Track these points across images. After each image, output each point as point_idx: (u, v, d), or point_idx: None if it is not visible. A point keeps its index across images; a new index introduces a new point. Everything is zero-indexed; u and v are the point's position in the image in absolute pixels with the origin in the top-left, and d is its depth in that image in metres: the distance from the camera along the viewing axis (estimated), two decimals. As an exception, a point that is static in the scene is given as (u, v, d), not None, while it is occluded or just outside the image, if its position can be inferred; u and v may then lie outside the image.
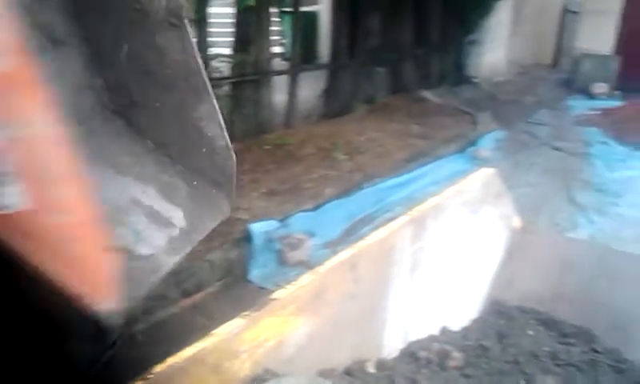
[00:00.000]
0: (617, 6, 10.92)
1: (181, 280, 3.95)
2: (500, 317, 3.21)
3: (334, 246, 4.60)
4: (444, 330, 3.04)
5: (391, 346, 2.78)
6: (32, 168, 1.68)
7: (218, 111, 1.91)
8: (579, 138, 8.05)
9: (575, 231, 5.13)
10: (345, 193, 5.72)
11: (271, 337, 2.04)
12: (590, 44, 11.15)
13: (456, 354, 2.78)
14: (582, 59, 11.04)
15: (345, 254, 2.38)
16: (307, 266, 3.93)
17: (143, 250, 1.85)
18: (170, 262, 1.86)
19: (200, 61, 1.80)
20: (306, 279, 2.18)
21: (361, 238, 2.58)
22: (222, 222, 4.27)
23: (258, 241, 4.63)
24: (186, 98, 1.97)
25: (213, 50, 6.93)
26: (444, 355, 2.77)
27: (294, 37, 7.93)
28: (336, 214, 5.29)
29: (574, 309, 3.18)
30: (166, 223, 1.90)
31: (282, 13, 11.63)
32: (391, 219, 2.78)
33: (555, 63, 13.07)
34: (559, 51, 13.02)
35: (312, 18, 12.31)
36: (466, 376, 2.67)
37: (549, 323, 3.14)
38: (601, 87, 10.33)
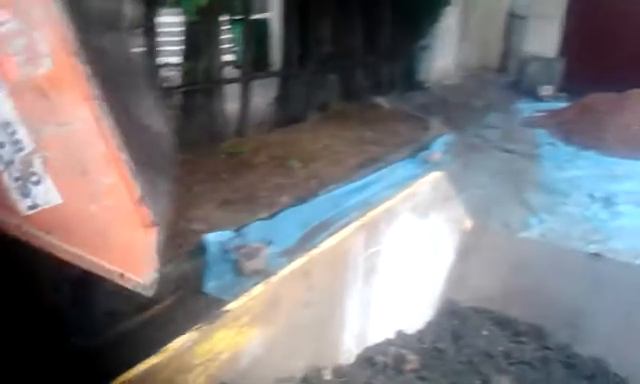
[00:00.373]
0: (560, 10, 11.22)
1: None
2: (454, 318, 3.25)
3: (290, 253, 4.57)
4: (400, 334, 3.06)
5: (348, 351, 2.78)
6: (68, 163, 1.86)
7: (162, 107, 1.96)
8: (528, 139, 8.24)
9: (526, 231, 5.23)
10: (300, 200, 5.71)
11: (225, 349, 2.02)
12: (535, 47, 11.42)
13: (412, 357, 2.80)
14: (528, 62, 11.29)
15: (298, 262, 2.38)
16: (264, 275, 3.90)
17: None
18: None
19: (142, 62, 1.85)
20: (259, 289, 2.16)
21: (317, 244, 2.58)
22: (176, 234, 4.29)
23: (213, 251, 4.57)
24: (128, 96, 2.02)
25: (162, 59, 6.83)
26: (400, 359, 2.79)
27: (245, 45, 7.89)
28: (292, 222, 5.27)
29: (526, 307, 3.25)
30: None
31: (233, 21, 11.58)
32: (346, 225, 2.80)
33: (503, 66, 13.35)
34: (506, 55, 13.30)
35: (263, 25, 12.28)
36: (422, 379, 2.70)
37: (502, 322, 3.20)
38: (547, 89, 10.59)
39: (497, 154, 7.57)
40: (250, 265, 4.32)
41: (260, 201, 5.55)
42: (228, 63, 10.56)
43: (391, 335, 3.02)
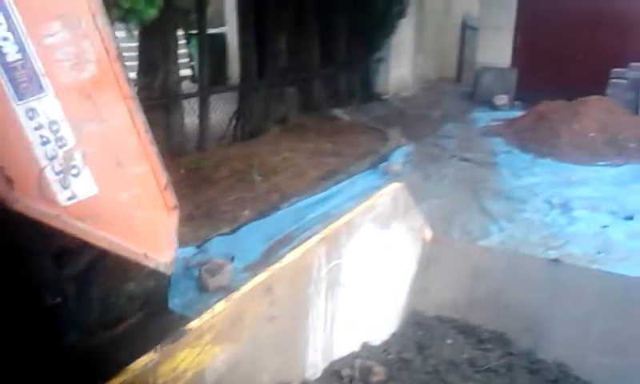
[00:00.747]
0: (511, 21, 11.47)
1: (99, 312, 3.78)
2: (419, 328, 3.26)
3: (254, 268, 4.53)
4: (365, 346, 3.05)
5: (314, 366, 2.76)
6: (105, 156, 2.10)
7: None
8: (485, 148, 8.37)
9: (487, 239, 5.29)
10: (262, 214, 5.68)
11: (189, 368, 1.98)
12: (489, 58, 11.64)
13: (378, 369, 2.80)
14: (482, 72, 11.52)
15: (260, 277, 2.35)
16: (228, 290, 3.85)
17: None
18: None
19: None
20: (222, 306, 2.13)
21: (279, 259, 2.56)
22: None
23: (176, 268, 4.50)
24: None
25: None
26: (366, 371, 2.78)
27: (202, 59, 7.83)
28: (255, 236, 5.24)
29: (489, 314, 3.28)
30: None
31: (189, 35, 11.51)
32: (307, 239, 2.78)
33: (458, 77, 13.59)
34: (461, 65, 13.55)
35: (220, 39, 12.25)
36: (389, 390, 2.69)
37: (466, 330, 3.22)
38: (502, 98, 10.81)
39: (455, 163, 7.66)
40: (214, 281, 4.26)
41: (222, 215, 5.50)
42: (186, 78, 10.48)
43: (357, 348, 3.02)
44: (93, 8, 2.03)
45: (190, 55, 12.31)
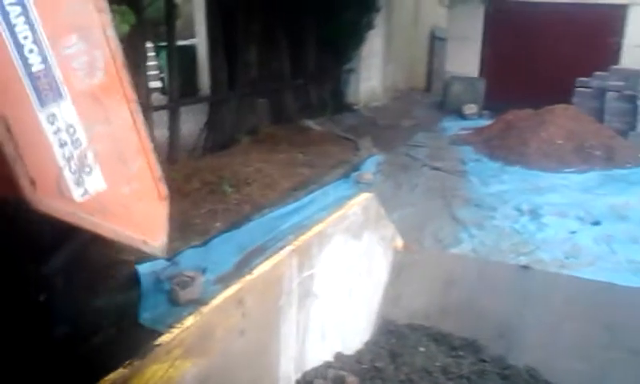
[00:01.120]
0: (479, 32, 11.63)
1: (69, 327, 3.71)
2: (391, 336, 3.26)
3: (226, 280, 4.50)
4: (338, 356, 3.04)
5: (287, 377, 2.74)
6: (111, 154, 2.31)
7: None
8: (455, 156, 8.47)
9: (458, 246, 5.34)
10: (234, 225, 5.65)
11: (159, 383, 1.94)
12: (458, 68, 11.78)
13: (351, 379, 2.79)
14: (451, 82, 11.65)
15: (231, 290, 2.33)
16: (199, 303, 3.81)
17: None
18: None
19: None
20: (192, 320, 2.10)
21: (251, 270, 2.55)
22: (108, 266, 4.35)
23: (146, 282, 4.46)
24: None
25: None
26: (340, 381, 2.78)
27: (171, 71, 7.80)
28: (227, 248, 5.21)
29: (460, 321, 3.30)
30: None
31: (158, 47, 11.44)
32: (278, 250, 2.77)
33: (428, 87, 13.71)
34: (431, 75, 13.68)
35: (190, 51, 12.19)
36: (363, 399, 2.69)
37: (438, 338, 3.23)
38: (471, 108, 10.94)
39: (426, 171, 7.73)
40: (185, 294, 4.23)
41: (193, 228, 5.47)
42: (155, 90, 10.41)
43: (330, 358, 3.00)
44: (104, 21, 2.27)
45: (159, 67, 12.23)
